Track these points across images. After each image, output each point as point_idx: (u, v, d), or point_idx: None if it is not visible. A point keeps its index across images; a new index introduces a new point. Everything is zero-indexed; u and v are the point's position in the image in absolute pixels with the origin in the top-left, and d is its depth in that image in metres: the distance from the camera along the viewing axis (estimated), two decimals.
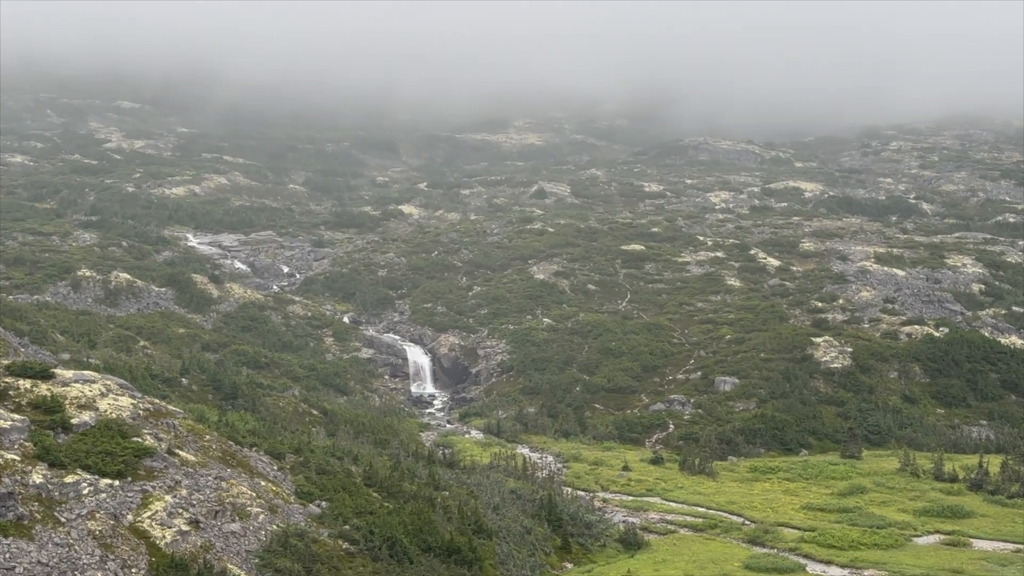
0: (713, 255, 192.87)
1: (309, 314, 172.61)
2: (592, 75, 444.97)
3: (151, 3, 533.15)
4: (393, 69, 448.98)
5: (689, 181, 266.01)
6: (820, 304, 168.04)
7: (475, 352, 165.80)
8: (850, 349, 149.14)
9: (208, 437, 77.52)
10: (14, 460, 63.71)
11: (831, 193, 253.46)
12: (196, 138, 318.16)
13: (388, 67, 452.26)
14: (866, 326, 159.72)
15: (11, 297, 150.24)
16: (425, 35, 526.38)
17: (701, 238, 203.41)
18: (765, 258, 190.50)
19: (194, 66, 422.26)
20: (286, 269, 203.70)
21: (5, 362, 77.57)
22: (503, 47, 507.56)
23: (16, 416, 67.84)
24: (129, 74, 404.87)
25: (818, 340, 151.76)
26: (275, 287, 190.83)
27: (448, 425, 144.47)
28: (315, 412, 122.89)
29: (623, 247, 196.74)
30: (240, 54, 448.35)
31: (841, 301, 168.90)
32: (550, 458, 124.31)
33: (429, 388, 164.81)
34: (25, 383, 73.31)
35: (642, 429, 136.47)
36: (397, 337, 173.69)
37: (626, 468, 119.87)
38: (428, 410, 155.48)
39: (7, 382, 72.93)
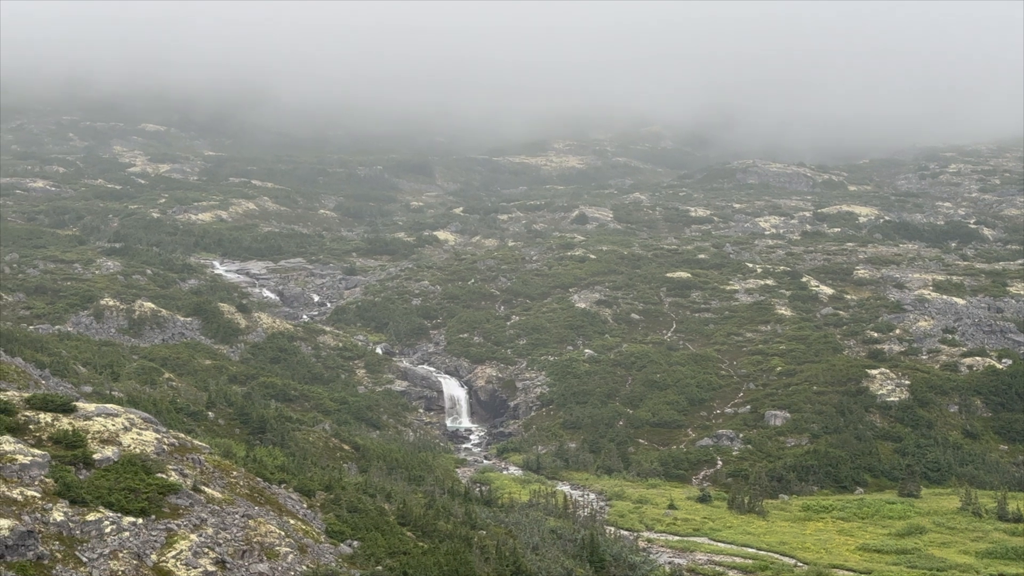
0: (763, 283, 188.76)
1: (340, 345, 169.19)
2: (636, 96, 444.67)
3: (175, 25, 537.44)
4: (428, 91, 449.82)
5: (737, 205, 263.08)
6: (876, 334, 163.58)
7: (513, 384, 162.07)
8: (908, 382, 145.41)
9: (235, 473, 75.75)
10: (34, 497, 62.15)
11: (887, 218, 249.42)
12: (223, 162, 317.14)
13: (423, 89, 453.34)
14: (924, 357, 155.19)
15: (32, 327, 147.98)
16: (461, 57, 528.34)
17: (750, 265, 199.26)
18: (817, 286, 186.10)
19: (222, 88, 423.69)
20: (316, 298, 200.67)
21: (26, 395, 77.01)
22: (543, 69, 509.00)
23: (36, 451, 66.36)
24: (154, 96, 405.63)
25: (874, 372, 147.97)
26: (305, 317, 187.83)
27: (485, 461, 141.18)
28: (346, 447, 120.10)
29: (668, 274, 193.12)
30: (270, 77, 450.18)
31: (898, 331, 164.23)
32: (592, 496, 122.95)
33: (465, 422, 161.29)
34: (46, 417, 71.93)
35: (688, 465, 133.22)
36: (432, 369, 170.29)
37: (672, 506, 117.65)
38: (464, 445, 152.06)
39: (27, 416, 71.72)
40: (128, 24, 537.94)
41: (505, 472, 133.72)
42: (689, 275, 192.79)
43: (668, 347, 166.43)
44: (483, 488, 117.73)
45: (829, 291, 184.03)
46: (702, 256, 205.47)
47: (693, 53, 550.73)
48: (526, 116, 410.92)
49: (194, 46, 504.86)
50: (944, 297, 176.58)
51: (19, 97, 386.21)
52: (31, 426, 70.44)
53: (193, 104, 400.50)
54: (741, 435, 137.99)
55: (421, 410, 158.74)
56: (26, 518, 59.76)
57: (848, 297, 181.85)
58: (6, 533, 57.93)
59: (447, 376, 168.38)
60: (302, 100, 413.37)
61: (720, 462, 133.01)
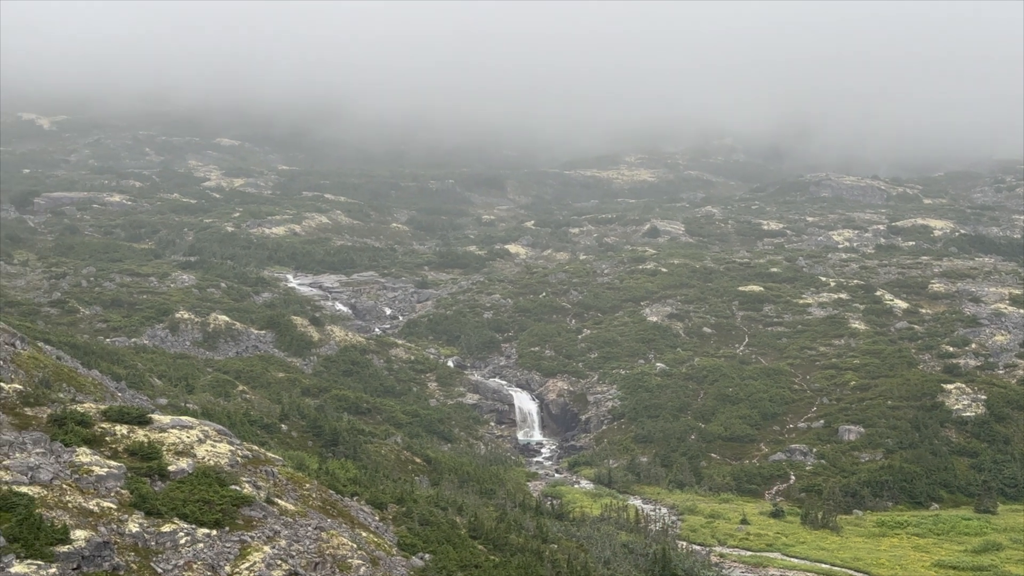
0: (836, 296, 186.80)
1: (412, 358, 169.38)
2: (709, 108, 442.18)
3: (255, 42, 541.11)
4: (503, 103, 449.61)
5: (810, 219, 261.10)
6: (951, 349, 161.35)
7: (585, 398, 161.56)
8: (984, 397, 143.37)
9: (308, 486, 75.77)
10: (110, 508, 62.58)
11: (962, 231, 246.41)
12: (297, 176, 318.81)
13: (498, 101, 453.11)
14: (1001, 372, 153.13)
15: (109, 340, 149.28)
16: (533, 70, 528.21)
17: (823, 279, 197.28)
18: (892, 300, 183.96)
19: (299, 103, 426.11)
20: (388, 311, 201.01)
21: (102, 407, 77.42)
22: (615, 81, 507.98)
23: (112, 463, 66.91)
24: (230, 111, 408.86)
25: (949, 387, 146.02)
26: (377, 330, 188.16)
27: (557, 474, 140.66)
28: (418, 460, 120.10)
29: (740, 288, 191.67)
30: (347, 92, 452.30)
31: (974, 345, 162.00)
32: (664, 510, 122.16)
33: (537, 436, 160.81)
34: (122, 429, 72.36)
35: (761, 480, 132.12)
36: (503, 382, 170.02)
37: (744, 521, 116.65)
38: (536, 459, 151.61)
39: (104, 428, 72.18)
40: (207, 41, 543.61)
41: (576, 486, 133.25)
42: (762, 289, 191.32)
43: (740, 361, 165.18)
44: (554, 502, 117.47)
45: (904, 305, 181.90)
46: (775, 270, 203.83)
47: (768, 58, 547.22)
48: (598, 130, 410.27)
49: (273, 62, 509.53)
50: (1021, 311, 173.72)
51: (98, 112, 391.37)
52: (107, 438, 70.86)
53: (269, 119, 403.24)
54: (814, 450, 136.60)
55: (492, 423, 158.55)
56: (102, 529, 60.22)
57: (923, 311, 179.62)
58: (83, 544, 58.29)
59: (518, 389, 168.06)
60: (378, 115, 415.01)
61: (793, 477, 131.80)
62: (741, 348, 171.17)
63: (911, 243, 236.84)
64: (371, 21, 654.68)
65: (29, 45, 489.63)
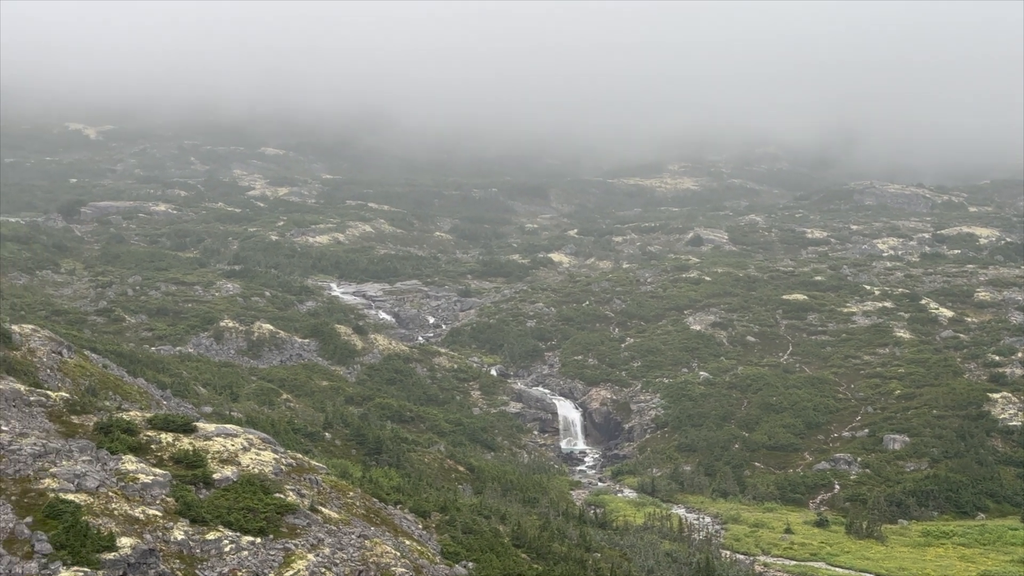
0: (881, 305, 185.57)
1: (455, 366, 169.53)
2: (752, 116, 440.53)
3: (301, 52, 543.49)
4: (545, 114, 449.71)
5: (855, 227, 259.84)
6: (997, 358, 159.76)
7: (628, 407, 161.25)
8: None
9: (351, 494, 75.88)
10: (156, 516, 63.34)
11: (1008, 239, 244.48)
12: (340, 185, 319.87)
13: (540, 112, 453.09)
14: None
15: (154, 348, 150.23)
16: (578, 79, 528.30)
17: (868, 287, 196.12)
18: (937, 308, 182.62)
19: (344, 113, 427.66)
20: (432, 320, 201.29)
21: (148, 415, 78.17)
22: (658, 89, 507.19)
23: (158, 470, 67.78)
24: (275, 121, 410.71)
25: (995, 396, 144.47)
26: (420, 338, 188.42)
27: (600, 483, 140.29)
28: (461, 468, 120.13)
29: (784, 297, 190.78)
30: (393, 101, 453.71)
31: (1020, 354, 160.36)
32: (707, 519, 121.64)
33: (580, 444, 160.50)
34: (167, 437, 73.34)
35: (805, 489, 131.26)
36: (546, 391, 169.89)
37: (788, 531, 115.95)
38: (579, 467, 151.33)
39: (149, 436, 73.13)
40: (255, 51, 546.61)
41: (620, 495, 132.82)
42: (806, 297, 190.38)
43: (784, 370, 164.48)
44: (597, 510, 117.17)
45: (949, 314, 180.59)
46: (819, 278, 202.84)
47: (813, 62, 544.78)
48: (641, 138, 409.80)
49: (319, 72, 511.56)
50: None
51: (144, 123, 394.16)
52: (153, 446, 71.48)
53: (314, 129, 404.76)
54: (859, 459, 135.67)
55: (535, 432, 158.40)
56: (148, 536, 60.77)
57: (969, 320, 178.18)
58: (128, 551, 58.72)
59: (561, 398, 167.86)
60: (423, 124, 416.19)
61: (837, 486, 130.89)
62: (785, 357, 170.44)
63: (956, 251, 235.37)
64: (417, 31, 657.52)
65: (77, 56, 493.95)
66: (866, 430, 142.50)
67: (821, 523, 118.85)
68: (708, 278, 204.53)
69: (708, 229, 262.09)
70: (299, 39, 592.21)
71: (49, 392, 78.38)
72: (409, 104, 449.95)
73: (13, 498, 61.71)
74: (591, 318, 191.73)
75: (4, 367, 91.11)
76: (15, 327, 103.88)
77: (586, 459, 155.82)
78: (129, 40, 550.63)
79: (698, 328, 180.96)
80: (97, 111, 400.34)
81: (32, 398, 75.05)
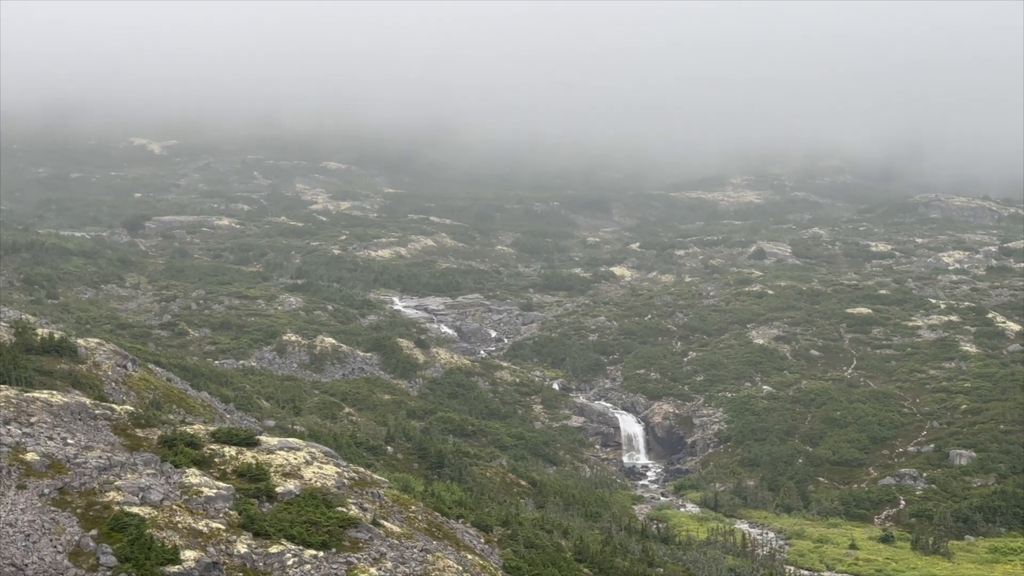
0: (946, 319, 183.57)
1: (517, 380, 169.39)
2: (817, 130, 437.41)
3: (362, 63, 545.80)
4: (607, 127, 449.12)
5: (919, 240, 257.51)
6: None
7: (690, 421, 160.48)
8: None
9: (413, 508, 75.62)
10: (219, 529, 63.42)
11: None
12: (402, 198, 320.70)
13: (603, 125, 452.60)
14: None
15: (217, 362, 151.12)
16: (642, 91, 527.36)
17: (933, 301, 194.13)
18: (1004, 322, 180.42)
19: (407, 126, 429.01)
20: (493, 333, 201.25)
21: (211, 428, 78.35)
22: (721, 102, 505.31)
23: (221, 484, 67.96)
24: (338, 135, 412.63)
25: None
26: (482, 352, 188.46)
27: (662, 498, 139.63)
28: (523, 483, 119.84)
29: (848, 310, 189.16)
30: (457, 115, 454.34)
31: None
32: (771, 534, 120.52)
33: (642, 459, 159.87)
34: (230, 450, 73.47)
35: (870, 505, 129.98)
36: (609, 405, 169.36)
37: (853, 546, 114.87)
38: (641, 482, 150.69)
39: (213, 449, 73.34)
40: (318, 66, 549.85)
41: (682, 509, 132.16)
42: (870, 311, 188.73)
43: (848, 384, 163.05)
44: (660, 525, 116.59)
45: (1016, 327, 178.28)
46: (883, 292, 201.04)
47: (879, 74, 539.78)
48: (704, 152, 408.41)
49: (383, 86, 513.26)
50: None
51: (208, 137, 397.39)
52: (216, 459, 71.65)
53: (376, 143, 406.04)
54: (924, 474, 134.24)
55: (598, 446, 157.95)
56: (211, 550, 60.90)
57: None
58: (192, 564, 58.95)
59: (624, 412, 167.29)
60: (486, 137, 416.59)
61: (903, 502, 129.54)
62: (849, 371, 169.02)
63: (1023, 265, 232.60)
64: (482, 43, 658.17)
65: (142, 72, 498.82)
66: (932, 445, 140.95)
67: (886, 539, 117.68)
68: (771, 292, 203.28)
69: (771, 242, 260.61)
70: (364, 54, 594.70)
71: (114, 405, 78.89)
72: (472, 117, 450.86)
73: (79, 511, 62.13)
74: (653, 332, 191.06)
75: (70, 380, 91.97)
76: (81, 341, 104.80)
77: (648, 473, 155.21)
78: (194, 56, 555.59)
79: (761, 342, 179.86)
80: (162, 126, 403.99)
81: (97, 411, 75.57)
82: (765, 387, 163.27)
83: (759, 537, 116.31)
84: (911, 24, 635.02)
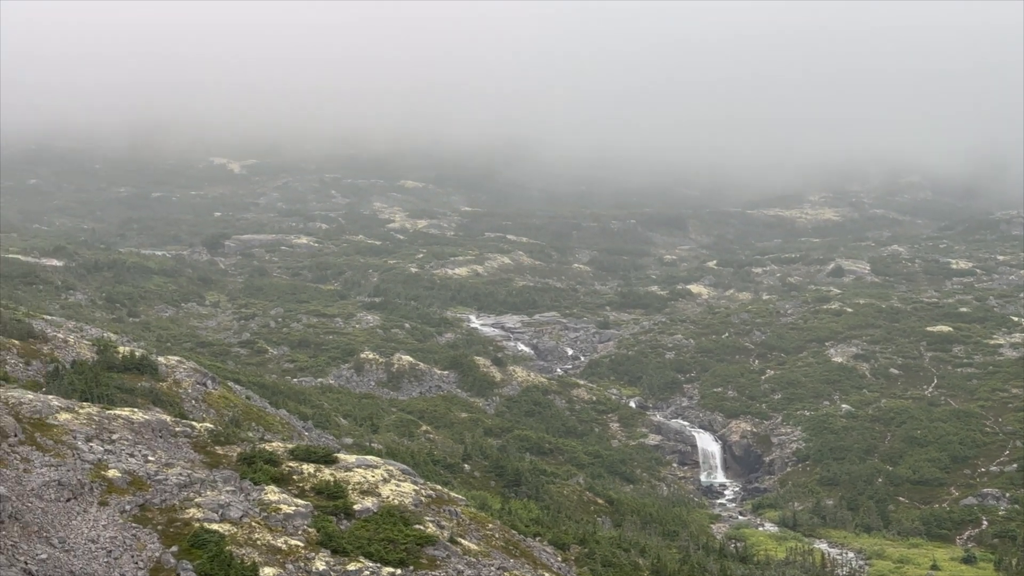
0: None
1: (594, 398, 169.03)
2: (896, 147, 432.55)
3: (438, 84, 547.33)
4: (685, 145, 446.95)
5: (1001, 257, 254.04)
6: None
7: (768, 439, 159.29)
8: None
9: (490, 526, 75.73)
10: (297, 546, 64.08)
11: None
12: (479, 217, 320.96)
13: (680, 143, 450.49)
14: None
15: (296, 380, 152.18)
16: (716, 109, 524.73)
17: (1015, 319, 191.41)
18: None
19: (485, 145, 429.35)
20: (570, 351, 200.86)
21: (289, 446, 79.05)
22: (800, 121, 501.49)
23: (300, 501, 68.76)
24: (415, 154, 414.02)
25: None
26: (559, 370, 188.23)
27: (740, 516, 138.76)
28: (600, 501, 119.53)
29: (928, 328, 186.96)
30: (529, 133, 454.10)
31: None
32: (850, 554, 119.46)
33: (719, 477, 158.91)
34: (309, 468, 74.23)
35: (951, 525, 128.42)
36: (686, 423, 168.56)
37: (935, 567, 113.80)
38: (719, 500, 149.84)
39: (291, 466, 74.20)
40: (397, 85, 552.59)
41: (760, 528, 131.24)
42: (950, 329, 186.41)
43: (929, 403, 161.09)
44: (738, 544, 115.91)
45: None
46: (964, 309, 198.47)
47: (959, 84, 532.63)
48: (781, 169, 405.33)
49: (462, 105, 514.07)
50: None
51: (286, 157, 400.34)
52: (295, 476, 72.25)
53: (454, 162, 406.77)
54: (1007, 494, 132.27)
55: (675, 464, 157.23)
56: (290, 567, 61.39)
57: None
58: None
59: (701, 430, 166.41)
60: (564, 156, 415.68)
61: (986, 522, 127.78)
62: (929, 390, 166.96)
63: None
64: (561, 62, 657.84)
65: (222, 93, 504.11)
66: (1015, 465, 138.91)
67: (969, 560, 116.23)
68: (850, 309, 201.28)
69: (849, 260, 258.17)
70: (444, 73, 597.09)
71: (194, 423, 79.67)
72: (552, 136, 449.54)
73: (159, 527, 62.77)
74: (730, 350, 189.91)
75: (151, 398, 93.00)
76: (161, 359, 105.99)
77: (726, 492, 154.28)
78: (274, 77, 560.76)
79: (840, 360, 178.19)
80: (241, 146, 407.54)
81: (178, 429, 76.37)
82: (844, 406, 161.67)
83: (838, 557, 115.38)
84: (995, 42, 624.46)
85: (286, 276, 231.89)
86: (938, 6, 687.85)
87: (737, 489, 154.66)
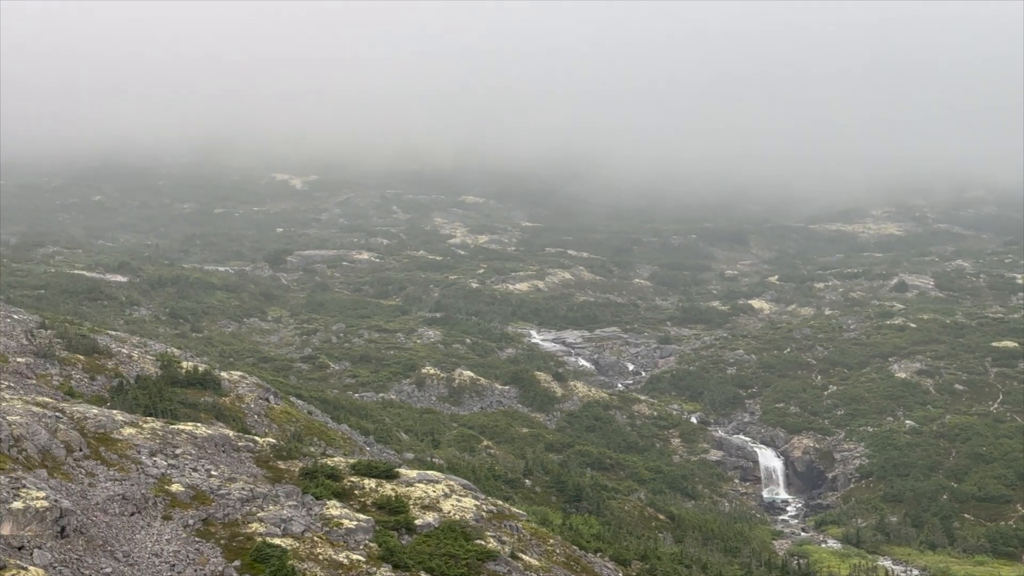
0: None
1: (655, 414, 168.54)
2: (957, 159, 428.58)
3: (501, 99, 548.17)
4: (747, 160, 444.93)
5: None
6: None
7: (831, 455, 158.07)
8: None
9: (551, 541, 75.61)
10: (359, 561, 64.28)
11: None
12: (540, 232, 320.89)
13: (743, 158, 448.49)
14: None
15: (357, 395, 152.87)
16: (779, 123, 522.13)
17: None
18: None
19: (548, 160, 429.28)
20: (631, 367, 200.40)
21: (351, 461, 79.25)
22: (864, 135, 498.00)
23: (361, 516, 69.02)
24: (476, 169, 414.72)
25: None
26: (620, 385, 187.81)
27: (802, 533, 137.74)
28: (661, 517, 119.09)
29: (993, 344, 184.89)
30: (591, 148, 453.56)
31: None
32: (915, 572, 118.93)
33: (782, 493, 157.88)
34: (370, 483, 74.65)
35: (1018, 542, 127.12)
36: (747, 439, 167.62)
37: None
38: (781, 516, 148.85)
39: (353, 481, 74.59)
40: (459, 101, 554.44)
41: (823, 545, 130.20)
42: (1016, 344, 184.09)
43: (995, 419, 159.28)
44: (801, 561, 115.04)
45: None
46: None
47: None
48: (844, 184, 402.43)
49: (524, 121, 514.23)
50: None
51: (348, 173, 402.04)
52: (356, 491, 72.53)
53: (515, 177, 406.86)
54: None
55: (736, 480, 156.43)
56: None
57: None
58: None
59: (763, 446, 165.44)
60: (627, 171, 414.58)
61: None
62: (995, 406, 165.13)
63: None
64: (624, 77, 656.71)
65: (284, 109, 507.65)
66: None
67: None
68: (913, 325, 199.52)
69: (913, 275, 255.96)
70: (507, 89, 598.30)
71: (256, 438, 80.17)
72: (615, 149, 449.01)
73: (222, 542, 63.16)
74: (792, 365, 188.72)
75: (214, 413, 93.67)
76: (224, 374, 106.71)
77: (788, 508, 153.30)
78: (335, 93, 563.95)
79: (903, 376, 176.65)
80: (303, 162, 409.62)
81: (240, 443, 76.87)
82: (908, 421, 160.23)
83: (902, 574, 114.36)
84: None
85: (347, 291, 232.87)
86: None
87: (799, 505, 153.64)
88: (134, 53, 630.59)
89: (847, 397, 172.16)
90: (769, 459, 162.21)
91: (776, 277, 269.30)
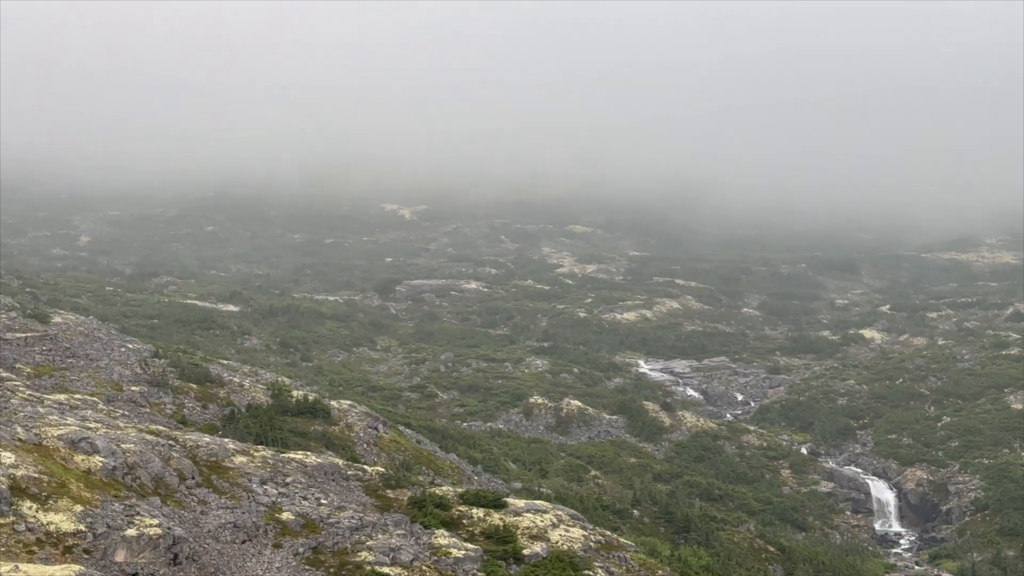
0: None
1: (764, 444, 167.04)
2: None
3: (610, 129, 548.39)
4: (858, 187, 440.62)
5: None
6: None
7: (945, 488, 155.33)
8: None
9: (660, 572, 75.28)
10: None
11: None
12: (647, 261, 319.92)
13: (852, 183, 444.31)
14: None
15: (465, 424, 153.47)
16: (892, 151, 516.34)
17: None
18: None
19: (653, 190, 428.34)
20: (740, 397, 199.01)
21: (459, 490, 79.27)
22: (970, 158, 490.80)
23: (469, 545, 69.14)
24: (584, 199, 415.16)
25: None
26: (728, 415, 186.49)
27: (916, 567, 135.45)
28: (771, 548, 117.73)
29: None
30: (701, 177, 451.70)
31: None
32: None
33: (895, 526, 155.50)
34: (478, 512, 74.75)
35: None
36: (859, 470, 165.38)
37: None
38: (894, 550, 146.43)
39: (461, 511, 74.78)
40: (569, 131, 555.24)
41: None
42: None
43: None
44: None
45: None
46: None
47: None
48: (957, 212, 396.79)
49: (633, 152, 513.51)
50: None
51: (457, 202, 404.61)
52: (464, 521, 72.67)
53: (623, 207, 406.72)
54: None
55: (848, 512, 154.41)
56: None
57: None
58: None
59: (875, 478, 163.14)
60: (736, 200, 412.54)
61: None
62: None
63: None
64: (741, 104, 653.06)
65: (394, 140, 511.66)
66: None
67: None
68: None
69: None
70: (616, 119, 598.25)
71: (365, 466, 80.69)
72: (724, 178, 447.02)
73: (331, 570, 63.58)
74: (905, 396, 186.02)
75: (323, 442, 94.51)
76: (334, 403, 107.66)
77: (901, 541, 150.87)
78: (444, 124, 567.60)
79: (1020, 407, 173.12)
80: (412, 192, 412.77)
81: (349, 472, 77.42)
82: None
83: None
84: None
85: (456, 321, 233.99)
86: None
87: (913, 538, 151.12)
88: (252, 83, 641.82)
89: (961, 428, 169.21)
90: (881, 491, 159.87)
91: (888, 307, 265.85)
